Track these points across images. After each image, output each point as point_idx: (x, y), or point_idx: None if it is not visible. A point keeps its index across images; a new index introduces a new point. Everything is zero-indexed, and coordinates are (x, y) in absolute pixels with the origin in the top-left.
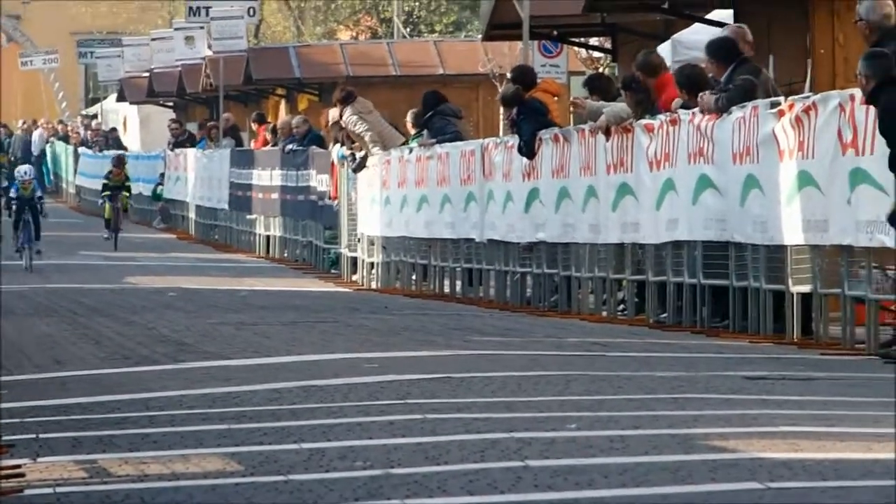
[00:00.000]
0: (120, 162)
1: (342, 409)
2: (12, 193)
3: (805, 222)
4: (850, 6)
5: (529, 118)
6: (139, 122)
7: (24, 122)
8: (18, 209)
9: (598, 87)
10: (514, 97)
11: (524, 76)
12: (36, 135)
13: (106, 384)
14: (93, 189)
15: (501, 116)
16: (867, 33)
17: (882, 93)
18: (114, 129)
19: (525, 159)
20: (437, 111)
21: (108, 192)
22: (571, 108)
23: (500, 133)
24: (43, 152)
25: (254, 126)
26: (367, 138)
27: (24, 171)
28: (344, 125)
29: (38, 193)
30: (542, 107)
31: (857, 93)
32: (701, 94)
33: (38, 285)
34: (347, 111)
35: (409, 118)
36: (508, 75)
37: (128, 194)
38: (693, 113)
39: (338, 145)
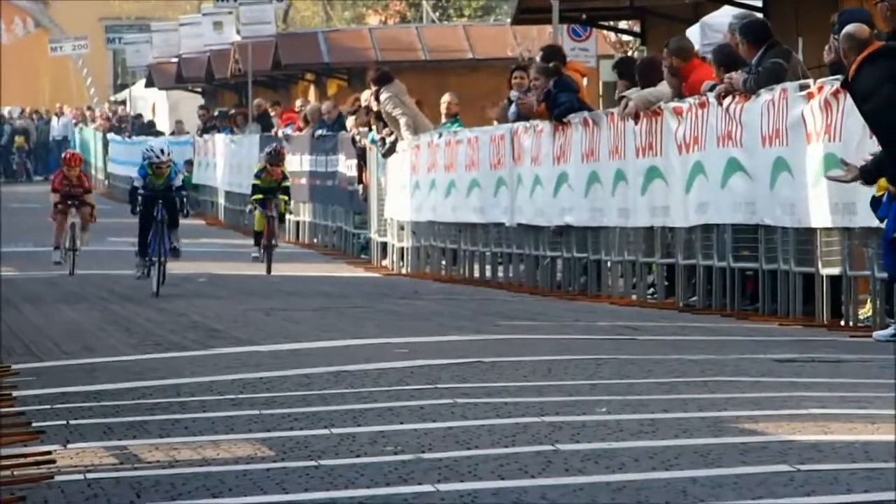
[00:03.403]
0: (278, 157)
1: (372, 395)
2: (136, 182)
3: (833, 205)
4: None
5: (564, 91)
6: (168, 107)
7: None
8: (147, 206)
9: (628, 71)
10: (555, 69)
11: (555, 55)
12: (62, 121)
13: (136, 371)
14: (123, 176)
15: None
16: (888, 14)
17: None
18: (139, 115)
19: (555, 143)
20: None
21: (259, 197)
22: None
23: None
24: (66, 139)
25: (272, 113)
26: (402, 122)
27: (157, 148)
28: (381, 106)
29: (178, 182)
30: (574, 83)
31: None
32: (729, 74)
33: (67, 272)
34: (385, 93)
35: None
36: (537, 57)
37: (286, 197)
38: (721, 94)
39: (366, 129)
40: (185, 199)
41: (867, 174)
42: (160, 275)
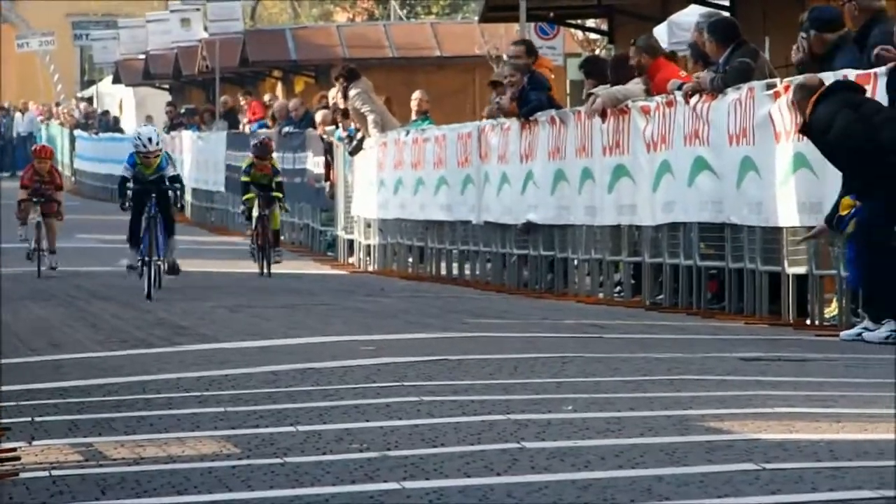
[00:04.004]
0: (265, 149)
1: (338, 392)
2: (125, 172)
3: (800, 204)
4: None
5: (536, 89)
6: (135, 104)
7: None
8: (138, 199)
9: (595, 69)
10: (526, 66)
11: (530, 47)
12: (27, 116)
13: (102, 367)
14: (90, 172)
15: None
16: (856, 14)
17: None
18: (106, 112)
19: (523, 141)
20: None
21: (251, 195)
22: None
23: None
24: (31, 135)
25: (242, 102)
26: (370, 119)
27: (145, 136)
28: (349, 102)
29: (170, 172)
30: (546, 81)
31: (851, 74)
32: (697, 73)
33: (33, 269)
34: (354, 88)
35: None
36: (505, 55)
37: (280, 195)
38: (688, 92)
39: (333, 127)
40: (178, 192)
41: (831, 222)
42: (153, 276)
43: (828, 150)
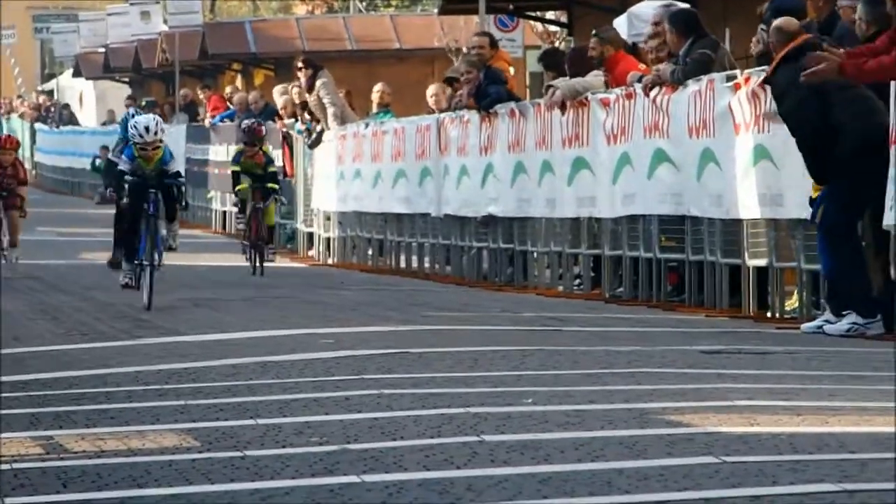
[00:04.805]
0: (253, 135)
1: (298, 385)
2: (122, 165)
3: (761, 196)
4: None
5: (493, 83)
6: (95, 97)
7: None
8: (135, 196)
9: (553, 62)
10: (481, 61)
11: (493, 40)
12: None
13: (63, 360)
14: (50, 165)
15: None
16: (820, 5)
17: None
18: (67, 105)
19: (482, 133)
20: None
21: (244, 186)
22: None
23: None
24: None
25: (201, 96)
26: (330, 112)
27: (142, 125)
28: (315, 91)
29: (173, 167)
30: (503, 75)
31: None
32: (657, 66)
33: None
34: (321, 79)
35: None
36: (465, 48)
37: (276, 186)
38: (648, 85)
39: (292, 120)
40: (182, 189)
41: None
42: (151, 284)
43: (783, 119)
